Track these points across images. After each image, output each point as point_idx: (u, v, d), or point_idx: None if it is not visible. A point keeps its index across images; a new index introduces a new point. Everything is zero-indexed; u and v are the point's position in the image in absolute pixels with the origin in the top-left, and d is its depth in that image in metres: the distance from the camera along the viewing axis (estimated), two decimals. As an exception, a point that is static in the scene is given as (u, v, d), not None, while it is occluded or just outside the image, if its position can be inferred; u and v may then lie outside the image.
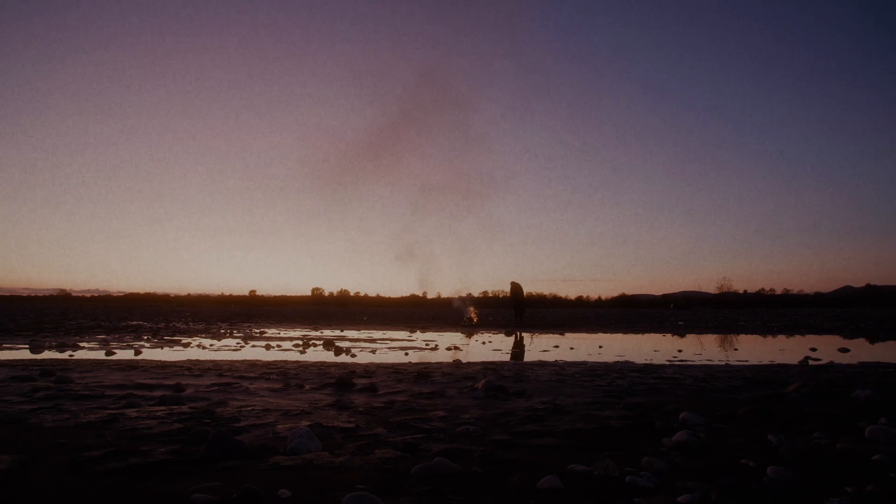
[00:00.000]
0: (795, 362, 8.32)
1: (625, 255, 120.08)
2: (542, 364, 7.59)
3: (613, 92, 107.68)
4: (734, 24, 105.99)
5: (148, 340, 11.88)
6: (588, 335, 15.83)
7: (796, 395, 4.90)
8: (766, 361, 8.53)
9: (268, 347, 10.57)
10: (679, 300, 75.92)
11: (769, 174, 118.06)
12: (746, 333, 16.81)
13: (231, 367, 6.97)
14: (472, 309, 22.60)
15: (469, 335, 15.54)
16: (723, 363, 8.21)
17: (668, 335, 15.62)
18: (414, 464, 2.51)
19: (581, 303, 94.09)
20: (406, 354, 9.52)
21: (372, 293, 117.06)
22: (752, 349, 11.25)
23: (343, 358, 8.80)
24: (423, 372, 6.42)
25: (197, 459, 2.64)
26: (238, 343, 11.51)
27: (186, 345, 10.96)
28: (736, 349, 11.01)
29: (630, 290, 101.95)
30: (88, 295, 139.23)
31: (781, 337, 15.19)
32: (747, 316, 32.62)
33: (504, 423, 3.64)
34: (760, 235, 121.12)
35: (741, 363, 8.26)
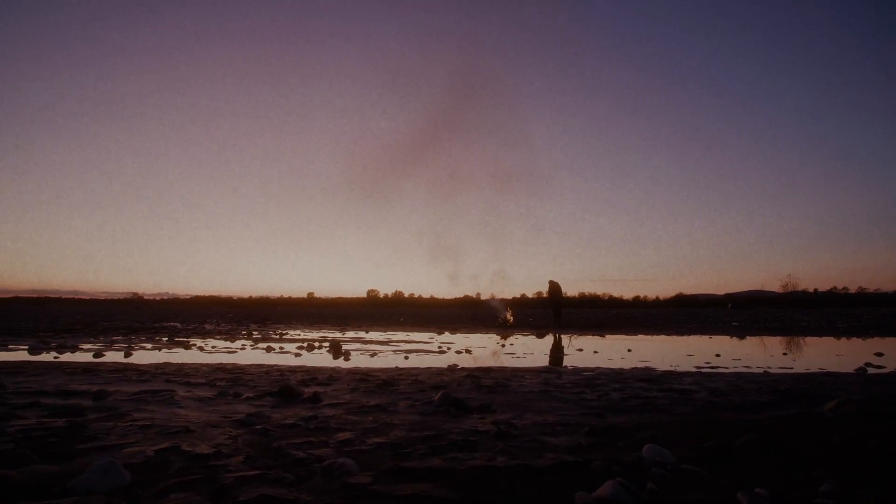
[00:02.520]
0: (851, 370, 7.00)
1: (684, 254, 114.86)
2: (536, 371, 6.63)
3: (668, 85, 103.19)
4: (796, 11, 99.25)
5: (157, 342, 11.64)
6: (627, 337, 14.58)
7: (832, 415, 3.81)
8: (814, 368, 7.23)
9: (268, 350, 10.05)
10: (740, 300, 71.46)
11: (839, 166, 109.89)
12: (806, 335, 15.07)
13: (194, 371, 6.40)
14: (508, 310, 21.59)
15: (500, 336, 14.63)
16: (761, 370, 7.00)
17: (715, 337, 14.15)
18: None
19: (638, 303, 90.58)
20: (406, 358, 8.75)
21: (426, 294, 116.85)
22: (805, 353, 9.82)
23: (339, 362, 8.14)
24: (390, 379, 5.64)
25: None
26: (243, 345, 11.07)
27: (189, 346, 10.60)
28: (785, 353, 9.62)
29: (689, 289, 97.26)
30: (158, 298, 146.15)
31: (846, 339, 13.45)
32: (812, 316, 29.91)
33: (408, 454, 2.81)
34: (831, 230, 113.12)
35: (783, 370, 7.02)
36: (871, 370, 7.18)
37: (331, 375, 5.99)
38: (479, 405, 4.36)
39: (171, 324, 20.20)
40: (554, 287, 21.70)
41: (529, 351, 10.29)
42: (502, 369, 6.82)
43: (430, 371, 6.49)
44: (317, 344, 10.98)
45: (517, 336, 14.84)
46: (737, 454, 2.75)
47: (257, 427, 3.46)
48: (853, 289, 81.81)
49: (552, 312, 21.40)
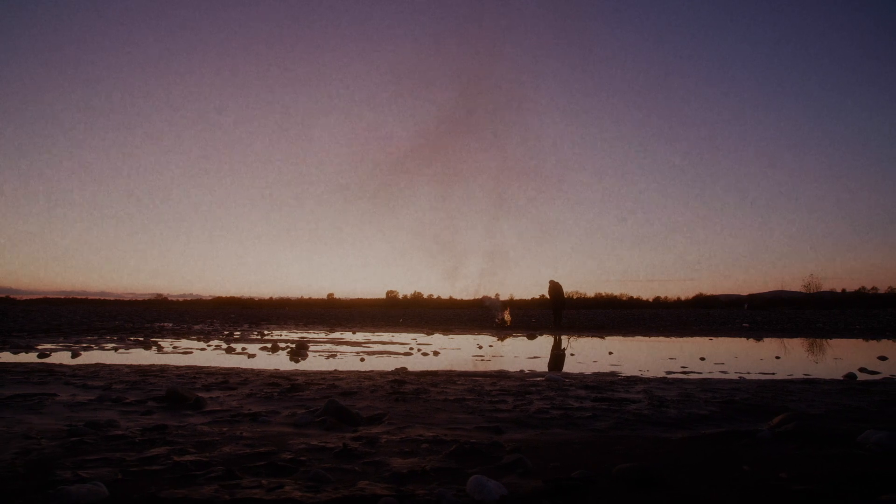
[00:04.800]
0: (839, 376, 6.28)
1: (706, 254, 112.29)
2: (480, 375, 6.06)
3: (686, 81, 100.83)
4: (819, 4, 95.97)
5: (125, 342, 11.33)
6: (623, 338, 13.89)
7: (767, 435, 3.18)
8: (798, 374, 6.53)
9: (228, 351, 9.64)
10: (761, 300, 69.36)
11: (867, 161, 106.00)
12: (817, 337, 14.17)
13: (110, 372, 5.97)
14: (506, 310, 20.94)
15: (495, 337, 14.03)
16: (736, 376, 6.34)
17: (717, 339, 13.34)
18: None
19: (658, 304, 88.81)
20: (362, 360, 8.25)
21: (445, 296, 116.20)
22: (800, 356, 9.04)
23: (287, 364, 7.70)
24: (300, 384, 5.14)
25: None
26: (208, 346, 10.69)
27: (150, 346, 10.24)
28: (777, 357, 8.85)
29: (712, 290, 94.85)
30: (181, 299, 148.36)
31: (857, 341, 12.53)
32: (832, 317, 28.55)
33: (194, 477, 2.29)
34: (860, 228, 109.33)
35: (762, 376, 6.36)
36: (863, 376, 6.46)
37: (245, 378, 5.51)
38: (370, 415, 3.84)
39: (164, 324, 20.03)
40: (555, 287, 21.01)
41: (501, 353, 9.70)
42: (447, 373, 6.26)
43: (359, 375, 5.96)
44: (282, 345, 10.53)
45: (510, 337, 14.22)
46: (595, 491, 2.17)
47: (74, 439, 2.98)
48: (883, 289, 78.83)
49: (552, 313, 20.72)
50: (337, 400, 3.93)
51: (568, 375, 6.20)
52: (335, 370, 6.61)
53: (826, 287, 72.29)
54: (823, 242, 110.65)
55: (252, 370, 6.33)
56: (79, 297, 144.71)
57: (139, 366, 6.68)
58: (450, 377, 5.82)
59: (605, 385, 5.31)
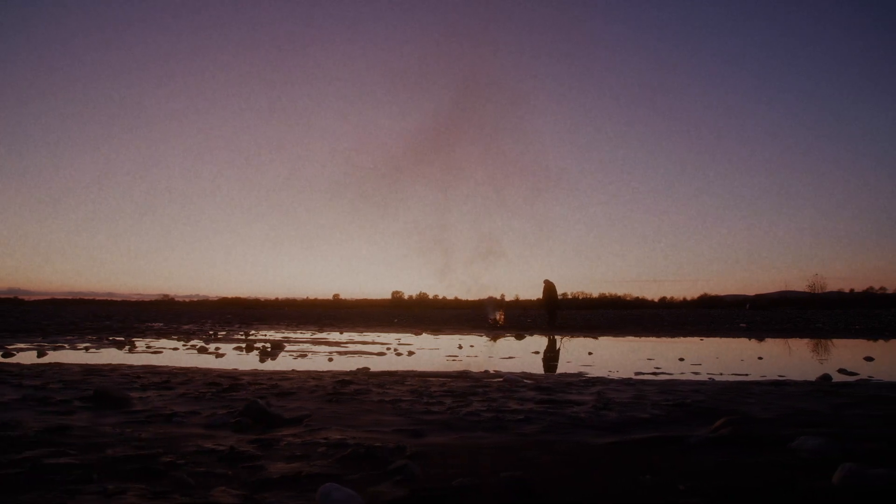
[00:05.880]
0: (814, 377, 6.04)
1: (713, 254, 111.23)
2: (428, 375, 5.87)
3: (690, 79, 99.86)
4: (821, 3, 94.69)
5: (101, 342, 11.24)
6: (614, 339, 13.66)
7: (702, 440, 2.97)
8: (772, 375, 6.30)
9: (201, 351, 9.50)
10: (765, 301, 68.54)
11: (876, 159, 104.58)
12: (814, 336, 13.85)
13: (58, 372, 5.82)
14: (499, 311, 20.73)
15: (487, 338, 13.81)
16: (707, 378, 6.12)
17: (709, 339, 13.05)
18: None
19: (663, 304, 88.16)
20: (330, 360, 8.09)
21: (450, 296, 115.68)
22: (784, 357, 8.77)
23: (253, 364, 7.55)
24: (241, 384, 4.97)
25: None
26: (184, 345, 10.56)
27: (123, 346, 10.12)
28: (760, 357, 8.59)
29: (718, 290, 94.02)
30: (188, 300, 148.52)
31: (851, 341, 12.21)
32: (834, 317, 28.07)
33: (50, 483, 2.11)
34: (869, 227, 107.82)
35: (734, 377, 6.15)
36: (840, 377, 6.22)
37: (190, 378, 5.35)
38: (294, 416, 3.66)
39: (154, 324, 19.95)
40: (549, 287, 20.73)
41: (477, 354, 9.50)
42: (405, 373, 6.07)
43: (310, 374, 5.79)
44: (258, 345, 10.37)
45: (502, 338, 13.99)
46: (464, 501, 1.97)
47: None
48: (891, 289, 77.66)
49: (546, 313, 20.45)
50: (261, 401, 3.76)
51: (529, 376, 5.99)
52: (291, 370, 6.44)
53: (833, 287, 71.36)
54: (830, 242, 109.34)
55: (203, 370, 6.17)
56: (86, 297, 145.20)
57: (92, 365, 6.54)
58: (404, 377, 5.64)
59: (560, 386, 5.10)
